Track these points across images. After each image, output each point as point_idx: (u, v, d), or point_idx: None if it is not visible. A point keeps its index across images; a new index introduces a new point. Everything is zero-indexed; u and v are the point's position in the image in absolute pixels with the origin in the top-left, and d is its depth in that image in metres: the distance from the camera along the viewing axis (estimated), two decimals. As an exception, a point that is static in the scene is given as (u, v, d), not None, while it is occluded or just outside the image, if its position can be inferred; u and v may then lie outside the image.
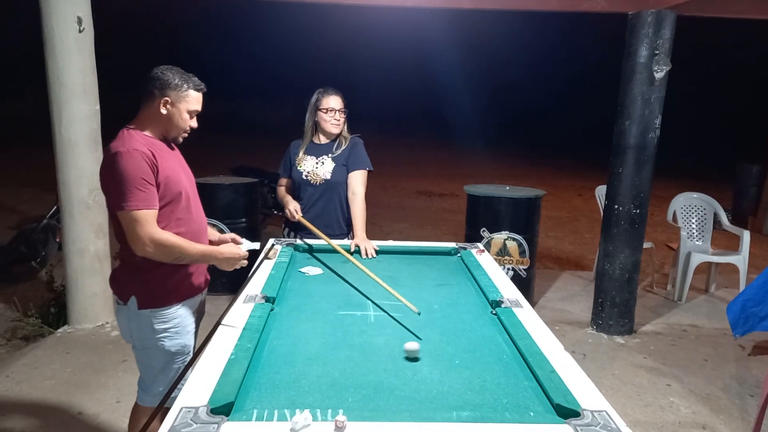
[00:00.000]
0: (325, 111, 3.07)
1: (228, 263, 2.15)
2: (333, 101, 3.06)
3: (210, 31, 27.41)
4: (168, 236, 1.97)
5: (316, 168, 3.12)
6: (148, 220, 1.93)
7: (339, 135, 3.16)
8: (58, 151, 3.89)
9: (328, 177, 3.10)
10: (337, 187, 3.12)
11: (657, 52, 3.88)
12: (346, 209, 3.16)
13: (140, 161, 1.91)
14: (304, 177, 3.13)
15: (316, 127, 3.16)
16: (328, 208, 3.14)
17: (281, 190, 3.30)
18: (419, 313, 1.97)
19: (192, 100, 2.07)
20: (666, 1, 3.82)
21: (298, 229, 3.20)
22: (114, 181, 1.92)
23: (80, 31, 3.77)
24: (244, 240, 2.31)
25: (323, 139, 3.18)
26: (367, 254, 2.85)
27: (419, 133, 23.07)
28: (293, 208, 3.05)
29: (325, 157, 3.13)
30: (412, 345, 1.72)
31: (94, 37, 3.90)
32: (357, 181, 3.09)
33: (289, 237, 3.22)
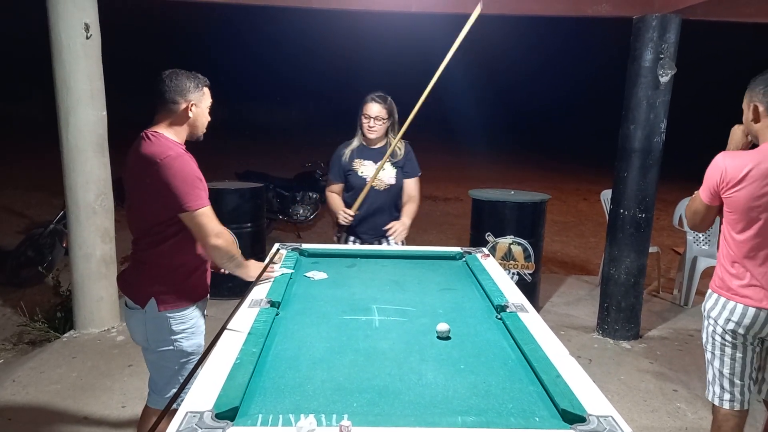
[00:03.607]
0: (363, 116, 3.22)
1: (254, 275, 2.26)
2: (371, 108, 3.19)
3: (216, 35, 27.57)
4: (228, 231, 2.10)
5: (380, 174, 3.22)
6: (213, 215, 2.04)
7: (386, 139, 3.30)
8: (65, 156, 3.91)
9: (393, 182, 3.27)
10: (398, 190, 3.31)
11: (662, 56, 3.88)
12: (399, 210, 3.37)
13: (192, 163, 2.02)
14: (368, 183, 3.22)
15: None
16: (391, 211, 3.32)
17: (334, 196, 3.35)
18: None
19: (208, 96, 2.18)
20: (671, 5, 3.82)
21: (351, 233, 3.31)
22: (172, 185, 1.96)
23: (87, 38, 3.80)
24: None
25: (372, 143, 3.29)
26: (395, 235, 3.19)
27: (424, 137, 22.99)
28: (341, 211, 3.20)
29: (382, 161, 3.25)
30: (442, 326, 1.90)
31: (101, 43, 3.93)
32: (413, 187, 3.35)
33: (347, 243, 3.32)
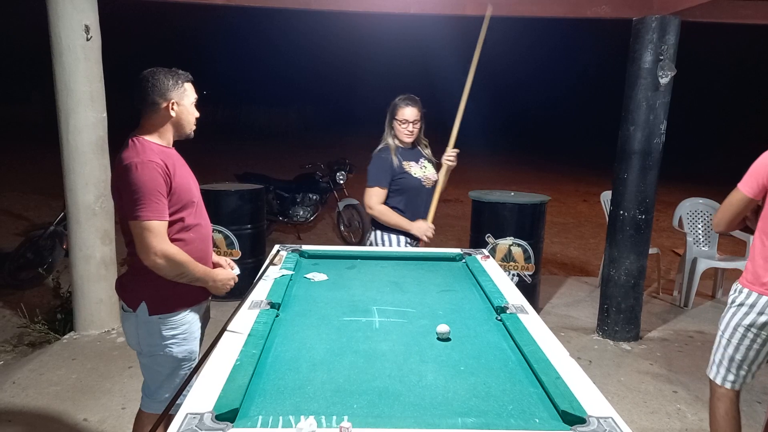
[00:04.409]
0: (400, 122, 3.18)
1: (221, 287, 2.18)
2: (408, 113, 3.16)
3: (216, 37, 27.57)
4: (177, 251, 2.00)
5: (425, 172, 3.27)
6: (160, 231, 1.96)
7: (417, 140, 3.31)
8: (65, 158, 3.91)
9: (435, 178, 3.33)
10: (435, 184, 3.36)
11: (661, 57, 3.88)
12: None
13: (154, 172, 1.94)
14: (423, 183, 3.24)
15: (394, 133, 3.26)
16: (429, 205, 3.33)
17: (386, 208, 3.21)
18: None
19: (190, 92, 2.12)
20: (670, 7, 3.83)
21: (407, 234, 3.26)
22: (128, 191, 1.94)
23: (87, 39, 3.81)
24: (235, 266, 2.39)
25: (408, 145, 3.28)
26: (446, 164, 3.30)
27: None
28: (430, 229, 3.22)
29: (422, 160, 3.30)
30: (442, 327, 1.91)
31: (101, 44, 3.94)
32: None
33: (399, 245, 3.27)
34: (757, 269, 2.39)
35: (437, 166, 3.38)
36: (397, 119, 3.19)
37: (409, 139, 3.23)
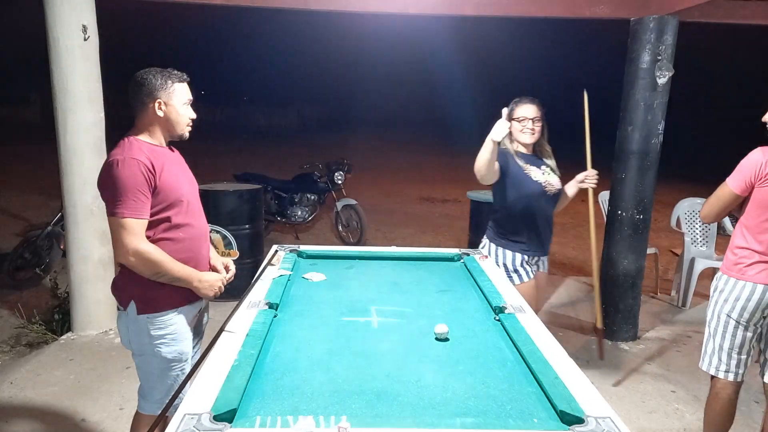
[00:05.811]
0: (519, 120, 2.97)
1: (208, 289, 2.14)
2: (527, 110, 2.96)
3: (215, 37, 27.55)
4: (152, 250, 1.98)
5: (547, 177, 3.03)
6: (135, 229, 1.95)
7: (538, 145, 3.09)
8: (63, 158, 3.90)
9: (560, 186, 3.11)
10: (559, 195, 3.14)
11: (659, 57, 3.89)
12: None
13: (135, 170, 1.94)
14: (544, 187, 3.00)
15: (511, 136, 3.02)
16: (553, 215, 3.17)
17: None
18: None
19: (181, 92, 2.10)
20: (668, 7, 3.83)
21: (517, 248, 3.04)
22: (107, 188, 1.97)
23: (85, 39, 3.80)
24: (231, 269, 2.37)
25: (526, 149, 3.05)
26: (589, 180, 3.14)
27: (422, 138, 23.06)
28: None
29: (543, 167, 3.06)
30: (441, 327, 1.90)
31: (100, 44, 3.93)
32: None
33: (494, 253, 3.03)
34: (736, 257, 2.50)
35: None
36: (515, 118, 2.95)
37: (529, 140, 2.98)
